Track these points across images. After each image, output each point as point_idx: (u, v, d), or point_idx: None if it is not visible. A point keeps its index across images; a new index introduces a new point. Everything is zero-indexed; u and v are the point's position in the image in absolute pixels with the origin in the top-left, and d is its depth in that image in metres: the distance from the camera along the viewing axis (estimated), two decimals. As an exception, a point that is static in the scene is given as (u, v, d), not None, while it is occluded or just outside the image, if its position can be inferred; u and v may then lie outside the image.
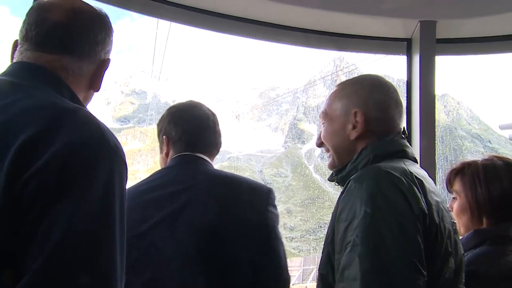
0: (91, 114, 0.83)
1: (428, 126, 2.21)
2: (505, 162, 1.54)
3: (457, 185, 1.58)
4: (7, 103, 0.79)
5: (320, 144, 1.44)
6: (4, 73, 0.89)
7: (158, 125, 1.60)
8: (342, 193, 1.18)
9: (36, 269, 0.67)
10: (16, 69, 0.90)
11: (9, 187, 0.70)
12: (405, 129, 1.35)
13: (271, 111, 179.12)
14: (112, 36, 1.03)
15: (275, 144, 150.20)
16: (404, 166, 1.18)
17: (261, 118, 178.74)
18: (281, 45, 2.52)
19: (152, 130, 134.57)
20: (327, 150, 1.43)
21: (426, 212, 1.09)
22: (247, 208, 1.35)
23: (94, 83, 1.00)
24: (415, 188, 1.11)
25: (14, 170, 0.70)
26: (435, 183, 1.36)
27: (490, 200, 1.47)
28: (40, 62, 0.90)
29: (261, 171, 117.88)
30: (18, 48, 0.93)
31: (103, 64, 1.00)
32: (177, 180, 1.41)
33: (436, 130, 2.26)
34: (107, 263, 0.73)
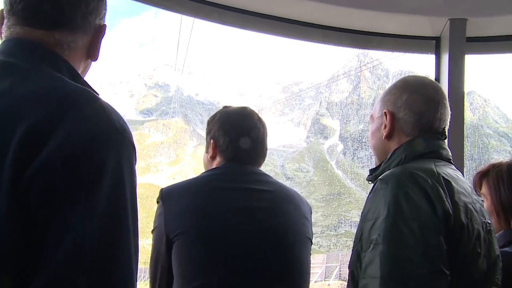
0: (96, 97, 0.78)
1: (457, 127, 2.14)
2: None
3: (483, 188, 1.56)
4: (3, 89, 0.74)
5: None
6: None
7: (208, 124, 1.61)
8: (370, 193, 1.20)
9: (51, 273, 0.65)
10: (9, 47, 0.84)
11: (15, 185, 0.66)
12: (445, 130, 1.34)
13: (293, 106, 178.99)
14: None
15: (297, 139, 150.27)
16: (432, 166, 1.18)
17: (283, 112, 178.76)
18: (306, 42, 2.49)
19: (174, 123, 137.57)
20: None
21: (451, 212, 1.08)
22: (305, 222, 1.48)
23: (92, 53, 0.95)
24: (440, 189, 1.10)
25: (17, 166, 0.66)
26: None
27: None
28: (32, 38, 0.84)
29: (282, 166, 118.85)
30: (4, 22, 0.87)
31: (99, 31, 0.95)
32: (246, 180, 1.46)
33: (464, 129, 2.18)
34: (124, 263, 0.71)
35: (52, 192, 0.66)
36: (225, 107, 1.66)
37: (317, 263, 33.10)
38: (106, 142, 0.73)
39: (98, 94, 0.81)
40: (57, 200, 0.66)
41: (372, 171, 1.39)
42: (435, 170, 1.16)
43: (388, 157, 1.32)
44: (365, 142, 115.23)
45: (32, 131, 0.68)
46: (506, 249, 1.40)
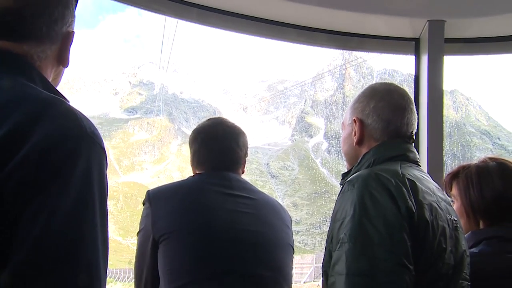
0: (68, 104, 0.81)
1: (436, 126, 2.18)
2: (498, 162, 1.53)
3: (453, 189, 1.59)
4: None
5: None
6: None
7: (189, 146, 1.65)
8: (338, 195, 1.24)
9: (15, 267, 0.65)
10: None
11: None
12: (413, 134, 1.38)
13: (278, 104, 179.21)
14: (72, 3, 0.95)
15: (282, 137, 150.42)
16: (398, 168, 1.23)
17: (268, 110, 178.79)
18: (286, 42, 2.51)
19: (159, 121, 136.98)
20: None
21: (414, 211, 1.12)
22: (287, 230, 1.54)
23: (62, 60, 0.95)
24: (404, 189, 1.14)
25: None
26: (442, 181, 1.45)
27: (484, 202, 1.48)
28: (2, 48, 0.84)
29: (267, 164, 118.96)
30: None
31: (67, 39, 0.94)
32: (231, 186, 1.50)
33: (444, 129, 2.23)
34: (89, 257, 0.71)
35: (25, 186, 0.68)
36: (204, 121, 1.70)
37: (306, 263, 32.62)
38: (77, 142, 0.75)
39: (69, 102, 0.83)
40: (28, 193, 0.68)
41: (344, 175, 1.43)
42: (399, 171, 1.20)
43: (358, 162, 1.36)
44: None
45: (11, 134, 0.70)
46: (473, 249, 1.43)
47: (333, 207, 1.22)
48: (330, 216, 1.22)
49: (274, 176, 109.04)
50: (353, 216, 1.11)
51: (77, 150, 0.75)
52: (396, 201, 1.11)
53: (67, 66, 0.97)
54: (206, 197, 1.43)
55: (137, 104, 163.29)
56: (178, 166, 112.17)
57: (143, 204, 1.44)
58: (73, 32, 0.96)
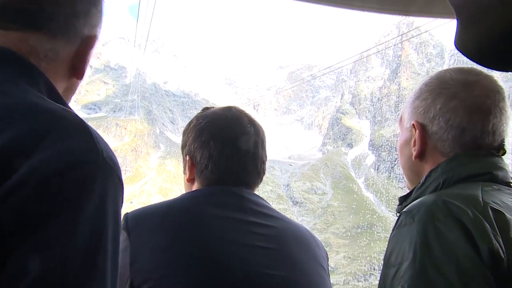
0: (80, 119, 0.86)
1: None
2: None
3: None
4: None
5: None
6: None
7: (183, 134, 1.69)
8: (393, 229, 1.25)
9: None
10: None
11: None
12: (503, 143, 1.36)
13: (304, 100, 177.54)
14: (100, 3, 1.01)
15: (309, 147, 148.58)
16: (478, 193, 1.20)
17: (289, 109, 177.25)
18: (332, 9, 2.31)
19: (133, 122, 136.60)
20: None
21: (503, 255, 1.08)
22: (323, 273, 1.54)
23: (77, 70, 1.00)
24: (485, 223, 1.11)
25: None
26: None
27: None
28: (2, 43, 0.89)
29: (288, 185, 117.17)
30: None
31: (88, 43, 0.99)
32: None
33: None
34: None
35: (21, 216, 0.75)
36: (204, 108, 1.71)
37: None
38: (91, 169, 0.81)
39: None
40: (23, 227, 0.75)
41: (402, 199, 1.43)
42: (480, 197, 1.18)
43: (421, 182, 1.37)
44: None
45: (9, 148, 0.76)
46: None
47: (385, 248, 1.22)
48: (381, 261, 1.23)
49: (297, 202, 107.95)
50: (413, 261, 1.10)
51: (90, 180, 0.80)
52: (474, 241, 1.08)
53: (82, 79, 1.03)
54: (209, 226, 1.43)
55: (100, 97, 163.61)
56: (160, 188, 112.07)
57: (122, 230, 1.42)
58: (96, 37, 1.01)
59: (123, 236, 1.38)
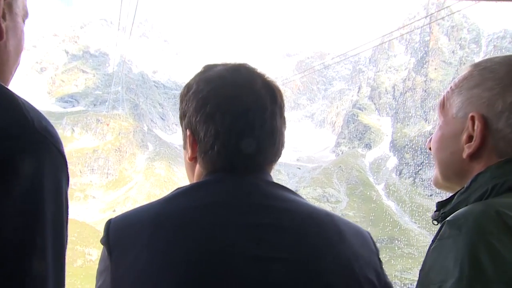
0: (5, 88, 0.83)
1: None
2: None
3: None
4: None
5: (430, 148, 1.56)
6: None
7: (180, 100, 1.57)
8: (433, 241, 1.24)
9: None
10: None
11: None
12: None
13: (315, 93, 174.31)
14: None
15: (321, 148, 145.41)
16: None
17: (297, 103, 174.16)
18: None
19: (117, 117, 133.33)
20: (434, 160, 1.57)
21: None
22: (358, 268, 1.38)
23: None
24: None
25: None
26: None
27: None
28: None
29: (296, 191, 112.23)
30: None
31: None
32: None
33: None
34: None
35: None
36: (206, 67, 1.59)
37: None
38: (19, 142, 0.79)
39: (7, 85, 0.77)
40: None
41: (440, 205, 1.43)
42: None
43: (466, 186, 1.35)
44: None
45: None
46: None
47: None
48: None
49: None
50: (459, 280, 1.08)
51: (18, 153, 0.78)
52: None
53: (2, 39, 0.98)
54: (209, 239, 1.29)
55: (79, 89, 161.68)
56: (147, 194, 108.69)
57: (102, 243, 1.36)
58: None
59: (104, 253, 1.34)
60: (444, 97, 1.49)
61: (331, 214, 1.44)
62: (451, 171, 1.44)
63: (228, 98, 1.45)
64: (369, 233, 1.46)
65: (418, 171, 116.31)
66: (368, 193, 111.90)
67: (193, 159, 1.51)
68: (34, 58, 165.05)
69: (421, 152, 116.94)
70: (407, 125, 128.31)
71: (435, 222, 1.41)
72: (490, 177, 1.29)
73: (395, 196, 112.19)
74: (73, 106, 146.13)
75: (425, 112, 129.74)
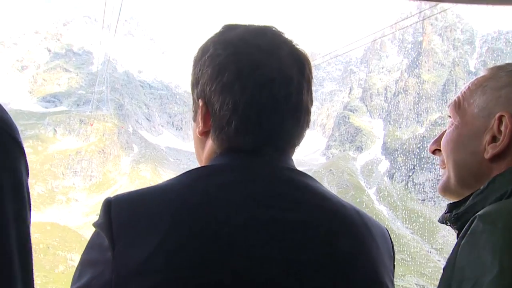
0: None
1: None
2: None
3: None
4: None
5: (435, 151, 1.57)
6: None
7: (194, 65, 1.44)
8: (461, 237, 1.23)
9: None
10: None
11: None
12: None
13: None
14: None
15: (311, 151, 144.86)
16: None
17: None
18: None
19: (101, 118, 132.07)
20: (442, 164, 1.55)
21: None
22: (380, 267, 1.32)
23: None
24: None
25: None
26: None
27: None
28: None
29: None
30: None
31: None
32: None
33: None
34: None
35: None
36: (226, 27, 1.45)
37: None
38: None
39: None
40: None
41: (452, 207, 1.43)
42: None
43: (483, 187, 1.35)
44: (428, 158, 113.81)
45: None
46: None
47: (449, 260, 1.22)
48: None
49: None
50: (501, 274, 1.07)
51: None
52: None
53: None
54: (223, 235, 1.16)
55: (61, 88, 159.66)
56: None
57: (95, 227, 1.20)
58: None
59: (99, 239, 1.17)
60: (460, 97, 1.49)
61: (359, 211, 1.37)
62: (468, 172, 1.43)
63: (249, 65, 1.32)
64: (388, 233, 1.42)
65: (410, 175, 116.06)
66: (359, 197, 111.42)
67: (203, 134, 1.38)
68: (14, 56, 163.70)
69: (414, 155, 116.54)
70: (400, 127, 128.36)
71: (450, 224, 1.42)
72: (511, 179, 1.31)
73: (387, 200, 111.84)
74: (56, 106, 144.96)
75: (418, 114, 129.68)
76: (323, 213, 1.27)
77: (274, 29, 1.41)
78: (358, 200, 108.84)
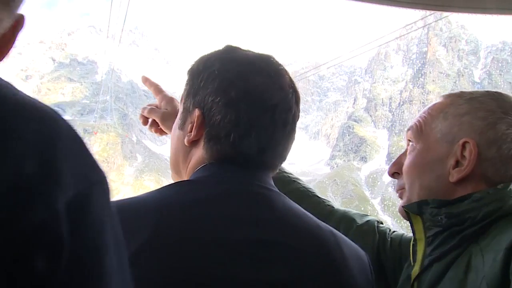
0: (21, 93, 0.75)
1: None
2: None
3: None
4: None
5: (394, 174, 1.64)
6: None
7: (191, 77, 1.47)
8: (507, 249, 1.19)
9: None
10: None
11: None
12: None
13: (309, 104, 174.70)
14: None
15: (315, 161, 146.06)
16: None
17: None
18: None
19: (105, 128, 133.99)
20: (400, 187, 1.62)
21: None
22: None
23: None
24: None
25: None
26: None
27: None
28: None
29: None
30: None
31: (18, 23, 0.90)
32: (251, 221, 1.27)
33: None
34: None
35: None
36: (229, 48, 1.47)
37: None
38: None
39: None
40: None
41: (439, 203, 1.44)
42: None
43: (480, 196, 1.37)
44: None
45: None
46: None
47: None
48: None
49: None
50: None
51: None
52: None
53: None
54: (204, 251, 1.18)
55: (66, 98, 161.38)
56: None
57: None
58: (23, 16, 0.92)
59: None
60: (420, 121, 1.55)
61: (335, 233, 1.39)
62: (434, 195, 1.46)
63: (257, 87, 1.35)
64: (367, 257, 1.43)
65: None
66: (363, 208, 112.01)
67: (192, 143, 1.40)
68: (19, 65, 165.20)
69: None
70: (404, 138, 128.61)
71: (428, 216, 1.45)
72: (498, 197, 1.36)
73: (392, 210, 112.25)
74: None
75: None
76: (297, 233, 1.30)
77: (275, 58, 1.45)
78: (362, 210, 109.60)
